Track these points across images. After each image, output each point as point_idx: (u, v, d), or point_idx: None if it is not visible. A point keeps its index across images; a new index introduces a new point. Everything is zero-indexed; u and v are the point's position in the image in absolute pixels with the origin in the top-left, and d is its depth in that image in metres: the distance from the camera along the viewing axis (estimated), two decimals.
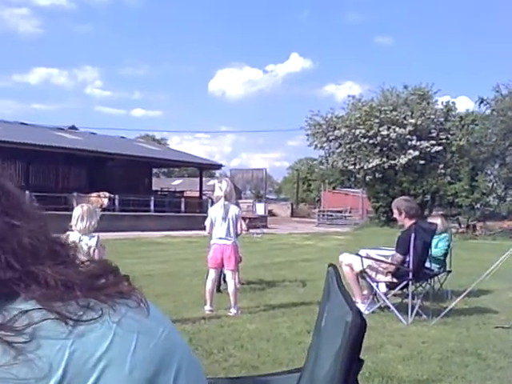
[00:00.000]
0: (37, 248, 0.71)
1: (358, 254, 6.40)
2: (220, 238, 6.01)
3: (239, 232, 6.29)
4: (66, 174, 27.63)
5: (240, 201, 36.24)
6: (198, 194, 33.39)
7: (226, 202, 5.99)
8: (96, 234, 4.61)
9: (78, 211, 4.57)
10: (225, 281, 7.28)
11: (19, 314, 0.65)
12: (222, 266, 6.05)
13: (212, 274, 6.09)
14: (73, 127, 34.63)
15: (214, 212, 6.10)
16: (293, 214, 51.54)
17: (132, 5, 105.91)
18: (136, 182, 31.28)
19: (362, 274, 6.27)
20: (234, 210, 6.04)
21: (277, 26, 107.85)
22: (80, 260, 0.79)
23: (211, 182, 56.76)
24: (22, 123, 29.70)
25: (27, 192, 21.82)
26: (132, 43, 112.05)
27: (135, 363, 0.68)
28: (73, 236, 4.44)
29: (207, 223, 6.19)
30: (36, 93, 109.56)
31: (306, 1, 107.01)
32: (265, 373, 3.38)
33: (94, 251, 4.50)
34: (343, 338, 0.92)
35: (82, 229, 4.49)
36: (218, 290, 7.11)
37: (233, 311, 5.90)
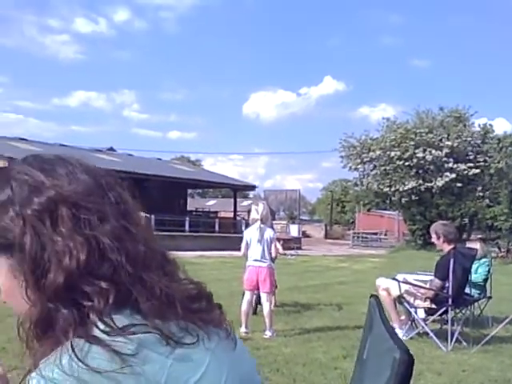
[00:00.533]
0: (148, 256, 0.75)
1: (395, 279, 6.31)
2: (255, 260, 6.05)
3: (274, 255, 6.29)
4: None
5: (274, 222, 36.13)
6: (231, 215, 33.52)
7: (262, 225, 6.06)
8: None
9: None
10: (260, 303, 7.29)
11: (128, 325, 0.68)
12: (258, 288, 6.06)
13: (247, 296, 6.11)
14: (111, 149, 35.49)
15: (250, 234, 6.15)
16: (327, 236, 51.10)
17: (169, 31, 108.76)
18: (171, 203, 31.67)
19: (399, 299, 6.17)
20: (269, 233, 6.09)
21: (311, 50, 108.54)
22: (179, 277, 0.82)
23: (245, 203, 56.97)
24: (62, 145, 30.59)
25: None
26: (169, 68, 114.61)
27: None
28: None
29: (243, 245, 6.25)
30: (75, 115, 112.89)
31: (340, 24, 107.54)
32: None
33: None
34: (391, 373, 0.93)
35: None
36: (254, 313, 7.12)
37: (268, 334, 5.88)
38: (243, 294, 6.26)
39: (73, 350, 0.65)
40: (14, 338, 0.77)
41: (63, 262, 0.68)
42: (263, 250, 6.01)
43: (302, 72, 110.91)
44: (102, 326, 0.67)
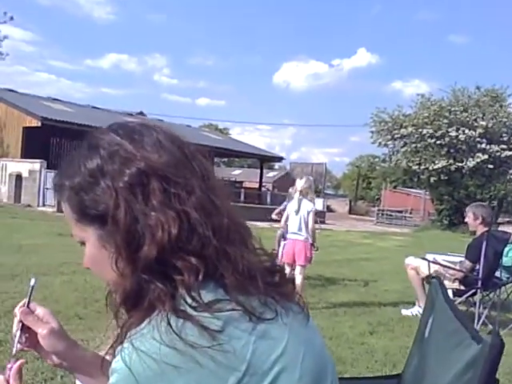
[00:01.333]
0: (232, 230, 0.75)
1: (424, 258, 6.27)
2: (293, 233, 6.07)
3: (311, 227, 6.18)
4: None
5: None
6: (257, 185, 33.56)
7: (301, 197, 6.05)
8: None
9: None
10: None
11: (213, 301, 0.69)
12: (294, 261, 6.07)
13: (286, 270, 6.15)
14: (141, 113, 35.64)
15: (290, 206, 6.20)
16: (351, 211, 50.91)
17: None
18: None
19: (427, 280, 6.14)
20: (306, 206, 6.08)
21: (346, 21, 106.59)
22: (256, 249, 0.81)
23: (270, 174, 56.90)
24: (94, 107, 30.84)
25: None
26: (201, 34, 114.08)
27: (304, 372, 0.72)
28: None
29: (284, 216, 6.33)
30: (106, 77, 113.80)
31: None
32: (358, 375, 3.38)
33: None
34: (477, 357, 0.93)
35: None
36: None
37: None
38: None
39: (169, 323, 0.66)
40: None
41: (156, 236, 0.69)
42: (300, 222, 6.02)
43: (335, 43, 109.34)
44: (189, 301, 0.68)
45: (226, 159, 61.91)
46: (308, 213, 6.07)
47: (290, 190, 7.17)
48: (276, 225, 8.47)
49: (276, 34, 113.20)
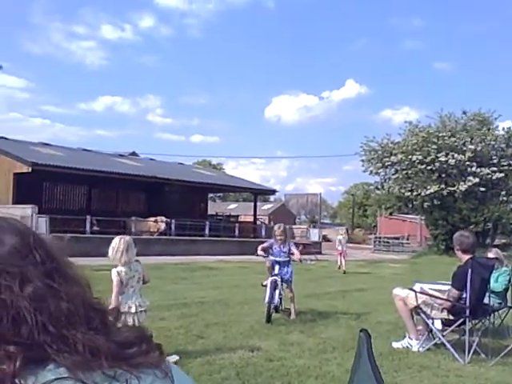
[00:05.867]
0: (72, 313, 0.76)
1: (411, 289, 6.22)
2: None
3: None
4: (126, 198, 28.56)
5: (294, 226, 36.18)
6: (252, 219, 33.52)
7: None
8: (138, 259, 4.79)
9: (122, 244, 4.64)
10: (278, 310, 7.56)
11: (51, 380, 0.70)
12: None
13: None
14: (133, 153, 35.86)
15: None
16: (348, 240, 50.77)
17: (193, 37, 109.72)
18: (192, 207, 31.86)
19: (416, 310, 6.09)
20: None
21: (333, 54, 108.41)
22: (116, 326, 0.83)
23: (265, 207, 56.93)
24: (85, 149, 31.01)
25: (88, 216, 22.25)
26: (192, 73, 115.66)
27: None
28: (120, 269, 4.60)
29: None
30: (101, 120, 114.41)
31: (362, 29, 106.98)
32: None
33: (143, 275, 4.78)
34: None
35: (128, 260, 4.64)
36: (277, 311, 7.55)
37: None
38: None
39: None
40: None
41: None
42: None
43: (324, 76, 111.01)
44: None
45: (221, 194, 62.02)
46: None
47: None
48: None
49: (265, 69, 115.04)
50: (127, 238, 4.83)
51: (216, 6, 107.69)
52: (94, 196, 28.47)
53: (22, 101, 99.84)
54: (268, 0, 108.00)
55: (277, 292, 7.54)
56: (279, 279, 7.65)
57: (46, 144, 28.25)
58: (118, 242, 4.66)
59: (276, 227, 8.04)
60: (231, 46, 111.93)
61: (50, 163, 21.72)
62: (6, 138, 26.36)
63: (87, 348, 0.74)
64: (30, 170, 20.73)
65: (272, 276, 7.66)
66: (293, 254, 7.95)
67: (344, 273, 17.76)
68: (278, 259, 7.77)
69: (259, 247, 8.05)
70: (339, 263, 18.58)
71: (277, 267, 7.75)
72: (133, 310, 4.59)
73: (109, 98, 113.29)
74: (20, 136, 29.61)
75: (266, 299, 7.33)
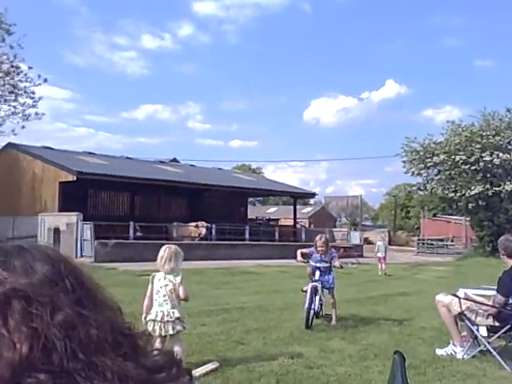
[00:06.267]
0: (101, 339, 0.78)
1: (455, 295, 6.08)
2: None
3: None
4: (168, 204, 28.97)
5: (334, 229, 35.84)
6: (292, 222, 33.43)
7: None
8: (180, 273, 4.85)
9: (166, 253, 4.83)
10: (319, 316, 7.54)
11: None
12: None
13: None
14: (174, 160, 36.43)
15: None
16: (390, 242, 49.79)
17: (230, 42, 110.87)
18: (232, 212, 32.07)
19: (460, 316, 5.94)
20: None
21: (371, 55, 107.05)
22: (146, 349, 0.85)
23: (305, 210, 56.66)
24: (128, 157, 31.71)
25: (131, 222, 22.65)
26: (231, 79, 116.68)
27: None
28: (158, 276, 4.72)
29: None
30: (142, 128, 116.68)
31: (401, 28, 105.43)
32: None
33: (179, 287, 4.82)
34: None
35: (170, 269, 4.78)
36: (317, 317, 7.52)
37: None
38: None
39: None
40: None
41: (7, 356, 0.72)
42: None
43: (362, 77, 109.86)
44: None
45: (261, 198, 62.18)
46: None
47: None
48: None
49: (303, 72, 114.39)
50: (173, 247, 4.97)
51: (252, 11, 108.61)
52: (136, 202, 29.06)
53: (67, 111, 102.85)
54: (304, 3, 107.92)
55: (317, 298, 7.51)
56: (319, 285, 7.63)
57: (91, 153, 29.03)
58: (163, 251, 4.87)
59: (318, 238, 7.98)
60: (268, 51, 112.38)
61: (94, 171, 22.32)
62: (52, 148, 27.24)
63: (116, 375, 0.75)
64: (75, 178, 21.35)
65: (312, 282, 7.65)
66: (334, 262, 7.98)
67: (385, 274, 17.50)
68: (318, 265, 7.76)
69: (298, 252, 8.06)
70: (380, 271, 17.92)
71: (317, 273, 7.73)
72: (159, 318, 4.69)
73: (150, 106, 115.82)
74: (66, 145, 30.57)
75: (306, 305, 7.32)
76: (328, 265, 7.84)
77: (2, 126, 28.00)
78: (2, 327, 0.75)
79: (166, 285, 4.76)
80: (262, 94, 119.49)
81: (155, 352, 0.86)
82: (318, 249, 7.79)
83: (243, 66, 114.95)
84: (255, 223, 33.45)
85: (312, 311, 7.37)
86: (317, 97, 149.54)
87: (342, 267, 8.26)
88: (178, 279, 4.80)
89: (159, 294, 4.76)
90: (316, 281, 7.64)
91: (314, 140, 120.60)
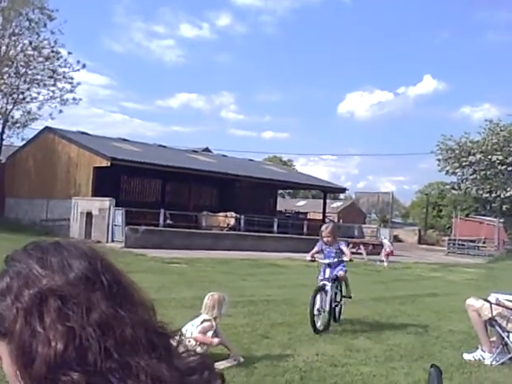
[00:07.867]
0: (136, 339, 0.77)
1: (486, 300, 5.95)
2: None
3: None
4: (198, 193, 29.19)
5: (364, 225, 35.46)
6: (321, 217, 33.25)
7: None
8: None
9: (210, 301, 5.01)
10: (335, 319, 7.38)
11: None
12: None
13: None
14: (206, 149, 36.63)
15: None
16: (420, 241, 49.05)
17: (268, 34, 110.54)
18: (261, 203, 32.09)
19: (490, 322, 5.82)
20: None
21: (410, 49, 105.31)
22: (179, 350, 0.85)
23: (335, 205, 56.25)
24: (160, 145, 32.02)
25: (162, 210, 23.02)
26: (266, 70, 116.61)
27: None
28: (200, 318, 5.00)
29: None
30: (176, 116, 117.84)
31: (441, 23, 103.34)
32: None
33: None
34: None
35: (218, 315, 5.02)
36: (335, 320, 7.28)
37: None
38: None
39: None
40: None
41: (43, 353, 0.73)
42: None
43: (400, 71, 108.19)
44: None
45: (290, 190, 62.02)
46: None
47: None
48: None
49: (339, 65, 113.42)
50: (216, 295, 5.10)
51: (291, 2, 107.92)
52: (167, 190, 29.34)
53: (103, 97, 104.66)
54: None
55: (327, 298, 6.94)
56: (329, 284, 7.05)
57: (125, 140, 29.40)
58: (206, 298, 5.11)
59: (323, 227, 7.51)
60: (306, 43, 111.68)
61: (127, 158, 22.61)
62: (87, 134, 27.70)
63: (149, 376, 0.74)
64: (109, 164, 21.68)
65: (321, 280, 7.15)
66: (343, 253, 7.33)
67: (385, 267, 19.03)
68: (328, 261, 7.19)
69: (308, 256, 7.53)
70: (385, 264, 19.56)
71: (328, 270, 7.17)
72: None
73: (185, 94, 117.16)
74: (100, 131, 31.07)
75: (308, 308, 6.77)
76: (337, 260, 7.20)
77: (40, 110, 28.69)
78: (38, 324, 0.76)
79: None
80: (296, 86, 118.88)
81: (188, 353, 0.85)
82: (324, 239, 7.25)
83: (279, 58, 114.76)
84: (284, 216, 33.39)
85: (317, 314, 6.80)
86: (352, 90, 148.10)
87: (351, 260, 7.57)
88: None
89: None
90: (326, 279, 7.09)
91: (347, 134, 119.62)
